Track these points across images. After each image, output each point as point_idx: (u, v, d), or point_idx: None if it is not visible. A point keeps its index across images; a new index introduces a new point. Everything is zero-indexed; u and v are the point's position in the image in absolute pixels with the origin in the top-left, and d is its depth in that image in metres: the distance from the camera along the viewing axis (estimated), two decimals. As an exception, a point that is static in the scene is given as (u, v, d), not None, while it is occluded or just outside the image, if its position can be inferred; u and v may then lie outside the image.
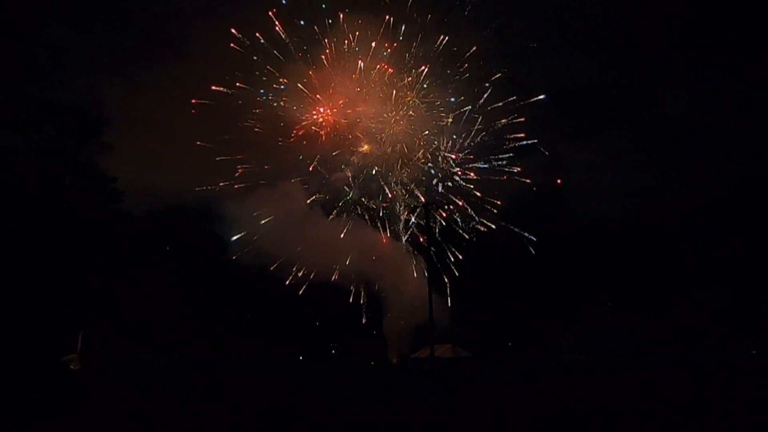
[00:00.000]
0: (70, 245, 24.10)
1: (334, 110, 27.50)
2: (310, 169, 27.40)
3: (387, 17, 27.09)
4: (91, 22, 25.51)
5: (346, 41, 26.97)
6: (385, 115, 27.37)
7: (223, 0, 27.77)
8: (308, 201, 26.78)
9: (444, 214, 26.73)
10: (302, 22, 27.87)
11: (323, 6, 27.29)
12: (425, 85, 27.89)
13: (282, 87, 28.30)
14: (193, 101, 27.56)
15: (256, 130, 27.88)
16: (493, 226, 27.23)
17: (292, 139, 27.70)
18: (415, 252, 27.48)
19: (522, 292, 26.40)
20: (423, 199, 25.97)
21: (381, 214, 27.10)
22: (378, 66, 27.10)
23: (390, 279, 25.95)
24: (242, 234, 25.03)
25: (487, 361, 25.33)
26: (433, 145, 27.79)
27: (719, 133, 28.47)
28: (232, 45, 27.62)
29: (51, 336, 23.14)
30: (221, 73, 28.32)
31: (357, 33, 26.76)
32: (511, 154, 29.04)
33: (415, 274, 27.18)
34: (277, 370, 23.62)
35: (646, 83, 28.17)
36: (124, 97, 25.49)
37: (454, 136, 28.27)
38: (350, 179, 27.38)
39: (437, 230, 26.63)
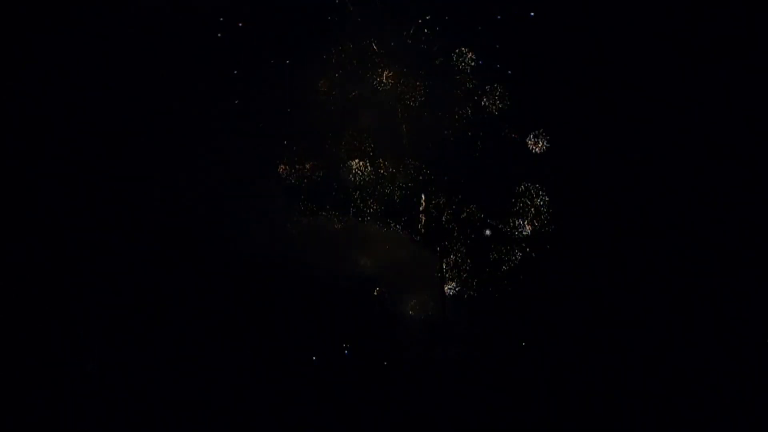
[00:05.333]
0: (80, 245, 24.53)
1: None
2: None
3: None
4: (101, 22, 25.51)
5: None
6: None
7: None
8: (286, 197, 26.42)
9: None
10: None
11: None
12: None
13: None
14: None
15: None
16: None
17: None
18: (426, 246, 27.29)
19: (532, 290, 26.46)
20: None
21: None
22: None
23: (399, 277, 25.94)
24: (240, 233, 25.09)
25: (500, 361, 25.44)
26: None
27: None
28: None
29: (65, 337, 23.67)
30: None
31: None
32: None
33: (427, 272, 27.12)
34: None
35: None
36: (141, 95, 25.57)
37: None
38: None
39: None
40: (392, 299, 27.88)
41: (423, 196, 27.41)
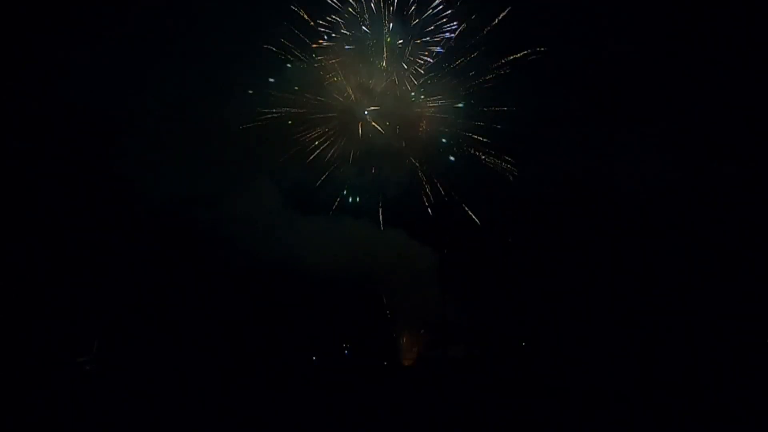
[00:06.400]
0: (81, 246, 24.52)
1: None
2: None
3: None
4: (99, 22, 25.44)
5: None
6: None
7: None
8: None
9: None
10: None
11: None
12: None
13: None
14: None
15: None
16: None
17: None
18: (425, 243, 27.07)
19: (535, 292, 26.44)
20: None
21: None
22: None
23: (397, 275, 25.87)
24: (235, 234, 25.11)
25: (500, 361, 25.44)
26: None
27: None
28: None
29: (65, 337, 23.65)
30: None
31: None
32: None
33: (426, 270, 27.00)
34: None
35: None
36: (135, 98, 25.46)
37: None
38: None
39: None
40: (392, 299, 27.95)
41: (423, 197, 27.40)
